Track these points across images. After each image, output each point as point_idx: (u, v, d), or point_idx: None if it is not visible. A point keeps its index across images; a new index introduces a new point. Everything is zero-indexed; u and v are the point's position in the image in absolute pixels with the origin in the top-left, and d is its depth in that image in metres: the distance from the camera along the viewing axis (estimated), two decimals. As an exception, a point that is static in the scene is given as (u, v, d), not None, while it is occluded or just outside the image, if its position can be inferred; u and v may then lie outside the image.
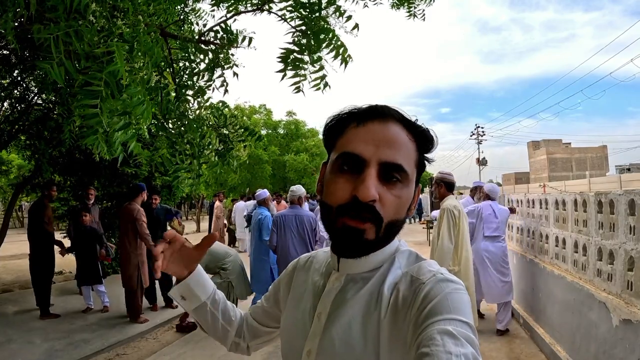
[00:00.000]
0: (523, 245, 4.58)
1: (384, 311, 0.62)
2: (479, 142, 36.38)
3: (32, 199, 8.26)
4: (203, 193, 16.54)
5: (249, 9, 2.63)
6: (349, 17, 2.28)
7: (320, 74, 2.27)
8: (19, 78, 4.97)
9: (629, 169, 35.08)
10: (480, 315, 4.48)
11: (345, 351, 0.63)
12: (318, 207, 0.83)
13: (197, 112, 2.93)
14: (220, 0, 2.69)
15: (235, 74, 2.93)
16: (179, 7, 3.02)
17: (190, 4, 3.27)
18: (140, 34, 1.87)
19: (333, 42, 2.23)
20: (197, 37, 2.82)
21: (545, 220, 3.92)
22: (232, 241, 11.23)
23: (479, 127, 36.70)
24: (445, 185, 3.72)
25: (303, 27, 2.30)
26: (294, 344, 0.72)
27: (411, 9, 3.22)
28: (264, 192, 5.13)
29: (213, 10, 3.01)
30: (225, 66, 2.87)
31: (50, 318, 4.63)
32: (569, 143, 42.00)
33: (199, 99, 2.91)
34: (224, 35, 2.73)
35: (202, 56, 2.85)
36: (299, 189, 4.31)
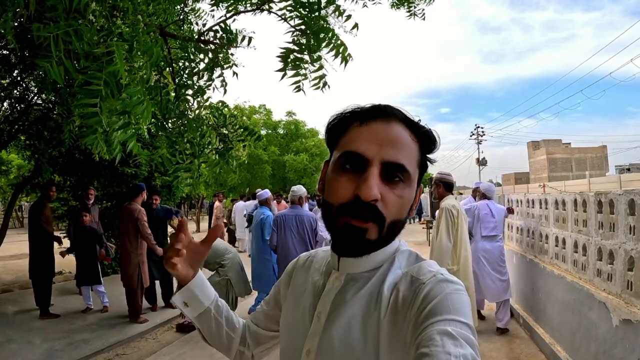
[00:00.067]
0: (523, 245, 4.58)
1: (384, 311, 0.62)
2: (479, 142, 36.41)
3: (32, 199, 8.27)
4: (203, 193, 16.53)
5: (249, 8, 2.63)
6: (349, 17, 2.28)
7: (319, 73, 2.27)
8: (18, 78, 4.97)
9: (628, 169, 35.09)
10: (481, 316, 4.48)
11: (345, 351, 0.63)
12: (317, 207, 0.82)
13: (197, 111, 2.93)
14: (220, 0, 2.69)
15: (234, 73, 2.93)
16: (178, 6, 3.02)
17: (190, 3, 3.27)
18: (139, 33, 1.87)
19: (333, 41, 2.23)
20: (196, 37, 2.82)
21: (545, 220, 3.92)
22: (232, 241, 11.22)
23: (478, 127, 36.74)
24: (443, 186, 3.73)
25: (303, 27, 2.30)
26: (293, 343, 0.72)
27: (411, 9, 3.22)
28: (265, 192, 5.14)
29: (213, 10, 3.01)
30: (225, 66, 2.87)
31: (50, 318, 4.63)
32: (569, 143, 42.04)
33: (199, 99, 2.91)
34: (224, 35, 2.73)
35: (201, 56, 2.85)
36: (299, 189, 4.31)
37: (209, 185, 15.31)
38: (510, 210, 4.71)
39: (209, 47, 2.80)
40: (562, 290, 3.31)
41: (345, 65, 2.25)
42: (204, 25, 3.23)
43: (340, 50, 2.23)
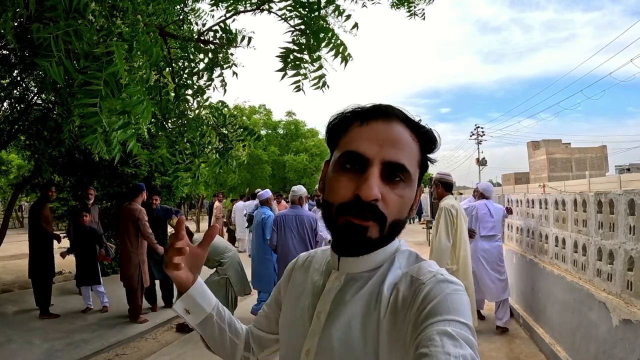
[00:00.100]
0: (523, 245, 4.58)
1: (384, 311, 0.62)
2: (479, 142, 36.41)
3: (32, 199, 8.26)
4: (203, 193, 16.52)
5: (248, 8, 2.63)
6: (348, 17, 2.28)
7: (319, 73, 2.27)
8: (18, 78, 4.97)
9: (628, 169, 35.08)
10: (481, 317, 4.48)
11: (345, 351, 0.63)
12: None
13: (197, 111, 2.93)
14: (220, 0, 2.69)
15: (234, 73, 2.93)
16: (178, 6, 3.02)
17: (190, 3, 3.27)
18: (139, 33, 1.87)
19: (332, 41, 2.23)
20: (196, 37, 2.82)
21: (545, 220, 3.92)
22: (232, 241, 11.22)
23: (478, 127, 36.74)
24: (443, 186, 3.73)
25: (302, 27, 2.30)
26: (293, 342, 0.72)
27: (411, 9, 3.22)
28: (266, 192, 5.15)
29: (212, 10, 3.01)
30: (225, 66, 2.88)
31: (50, 318, 4.63)
32: (569, 143, 42.04)
33: (199, 99, 2.91)
34: (223, 35, 2.74)
35: (201, 56, 2.85)
36: (300, 189, 4.31)
37: (209, 185, 15.29)
38: (509, 211, 4.71)
39: (208, 47, 2.80)
40: (562, 290, 3.31)
41: (345, 65, 2.25)
42: (203, 25, 3.23)
43: (340, 50, 2.24)
